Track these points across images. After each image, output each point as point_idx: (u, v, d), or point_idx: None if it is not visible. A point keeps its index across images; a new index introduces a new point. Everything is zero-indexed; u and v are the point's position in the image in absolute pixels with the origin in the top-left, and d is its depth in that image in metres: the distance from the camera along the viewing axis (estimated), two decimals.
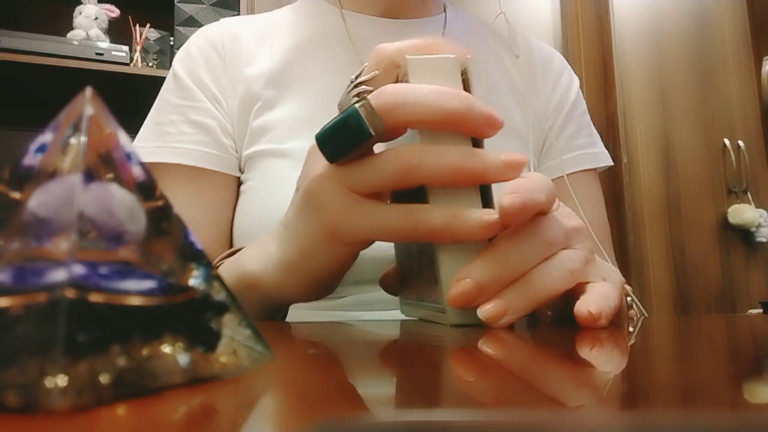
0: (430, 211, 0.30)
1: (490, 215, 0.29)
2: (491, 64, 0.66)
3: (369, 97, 0.30)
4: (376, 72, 0.33)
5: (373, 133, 0.29)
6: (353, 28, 0.63)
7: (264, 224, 0.53)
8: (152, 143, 0.58)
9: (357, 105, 0.29)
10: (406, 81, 0.31)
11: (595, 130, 0.70)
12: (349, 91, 0.34)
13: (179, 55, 0.63)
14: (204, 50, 0.61)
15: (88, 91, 0.14)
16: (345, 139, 0.30)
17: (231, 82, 0.60)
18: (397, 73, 0.32)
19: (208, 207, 0.57)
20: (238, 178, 0.59)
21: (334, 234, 0.33)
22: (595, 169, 0.67)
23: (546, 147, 0.66)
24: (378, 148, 0.32)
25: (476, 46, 0.67)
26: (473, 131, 0.30)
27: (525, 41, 0.70)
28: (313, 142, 0.31)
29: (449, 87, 0.31)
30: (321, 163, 0.32)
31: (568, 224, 0.31)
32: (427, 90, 0.29)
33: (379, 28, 0.63)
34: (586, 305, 0.29)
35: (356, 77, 0.34)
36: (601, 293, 0.30)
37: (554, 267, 0.30)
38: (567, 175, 0.63)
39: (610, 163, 0.68)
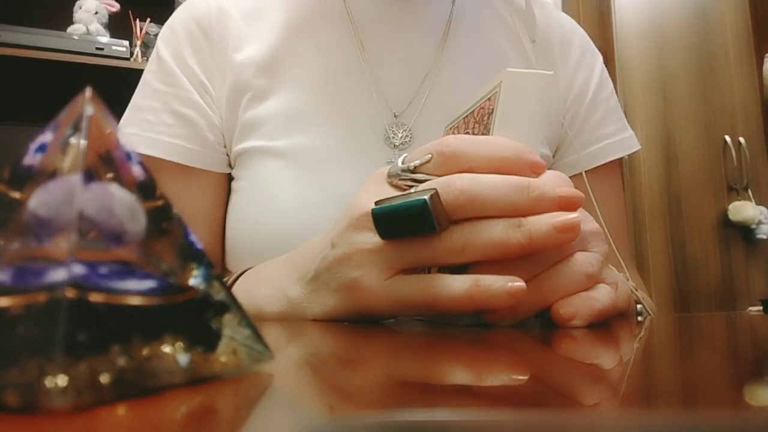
0: (450, 281, 0.29)
1: (515, 282, 0.28)
2: (505, 43, 0.60)
3: (438, 189, 0.29)
4: (430, 156, 0.32)
5: (438, 229, 0.29)
6: (353, 4, 0.57)
7: (258, 229, 0.51)
8: (128, 128, 0.53)
9: (426, 197, 0.28)
10: (497, 93, 0.32)
11: (622, 113, 0.64)
12: (402, 171, 0.33)
13: (164, 33, 0.57)
14: (190, 29, 0.56)
15: (88, 92, 0.14)
16: (406, 226, 0.29)
17: (219, 67, 0.54)
18: (453, 166, 0.31)
19: (193, 205, 0.54)
20: (228, 174, 0.55)
21: (360, 311, 0.33)
22: (621, 158, 0.62)
23: (567, 143, 0.61)
24: None
25: (489, 21, 0.61)
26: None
27: (543, 14, 0.62)
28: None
29: (538, 103, 0.31)
30: (368, 234, 0.32)
31: (585, 227, 0.31)
32: (495, 184, 0.29)
33: (381, 4, 0.57)
34: (559, 306, 0.29)
35: (409, 159, 0.33)
36: (586, 295, 0.30)
37: (566, 271, 0.30)
38: (590, 170, 0.59)
39: (638, 146, 0.63)
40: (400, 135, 0.53)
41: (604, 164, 0.60)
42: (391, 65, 0.55)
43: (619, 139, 0.61)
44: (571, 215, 0.28)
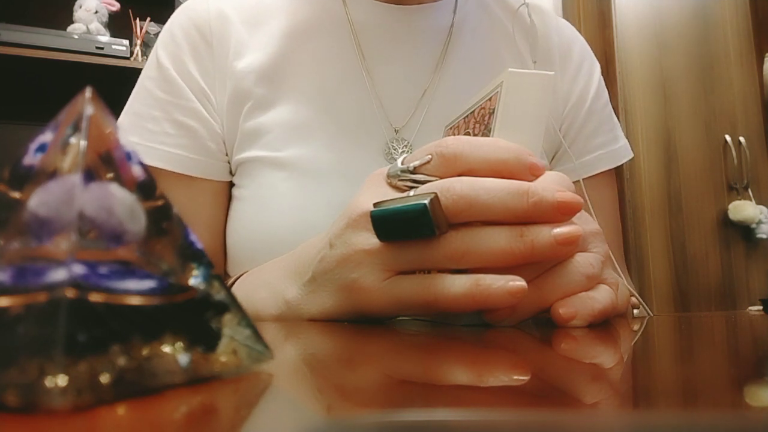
0: (451, 280, 0.29)
1: (515, 282, 0.28)
2: (504, 51, 0.60)
3: (438, 193, 0.29)
4: (429, 157, 0.31)
5: (437, 233, 0.29)
6: (355, 13, 0.56)
7: (258, 238, 0.51)
8: (130, 137, 0.52)
9: (426, 201, 0.28)
10: (498, 93, 0.32)
11: (616, 121, 0.64)
12: (402, 172, 0.32)
13: (163, 38, 0.56)
14: (189, 34, 0.55)
15: (88, 91, 0.14)
16: (406, 230, 0.29)
17: (220, 74, 0.54)
18: (452, 168, 0.31)
19: (195, 214, 0.53)
20: (230, 181, 0.55)
21: (359, 312, 0.33)
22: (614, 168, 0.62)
23: (561, 150, 0.61)
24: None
25: (490, 32, 0.61)
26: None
27: (543, 23, 0.62)
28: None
29: (539, 104, 0.31)
30: (367, 235, 0.31)
31: (586, 228, 0.31)
32: (495, 189, 0.29)
33: (383, 14, 0.56)
34: (559, 306, 0.29)
35: (409, 159, 0.33)
36: (586, 295, 0.30)
37: (567, 272, 0.30)
38: (585, 178, 0.59)
39: (630, 155, 0.63)
40: (401, 150, 0.53)
41: (598, 174, 0.61)
42: (391, 79, 0.55)
43: (610, 149, 0.62)
44: (573, 228, 0.28)
